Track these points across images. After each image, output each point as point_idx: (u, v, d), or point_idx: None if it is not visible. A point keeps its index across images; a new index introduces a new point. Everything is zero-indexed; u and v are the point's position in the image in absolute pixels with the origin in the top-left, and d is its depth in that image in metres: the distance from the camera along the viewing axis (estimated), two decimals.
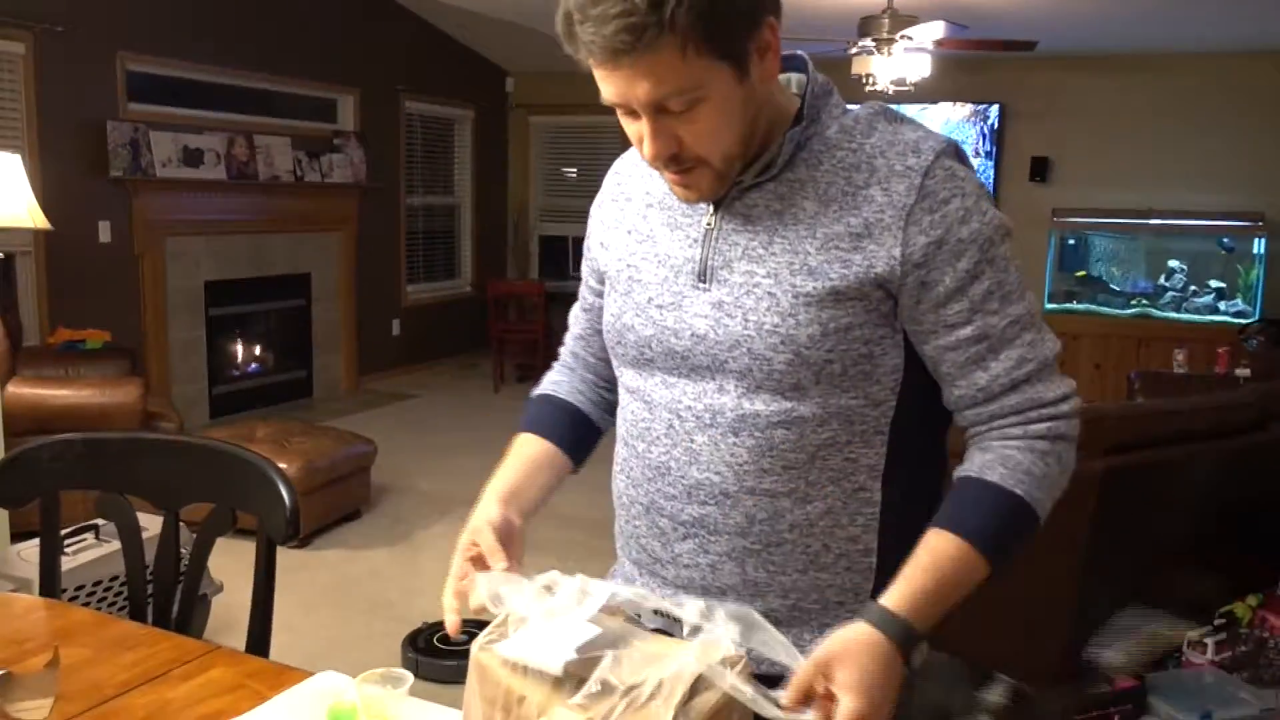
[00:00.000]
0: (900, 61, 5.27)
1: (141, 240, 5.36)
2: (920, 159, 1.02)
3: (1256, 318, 6.35)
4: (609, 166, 1.27)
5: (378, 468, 4.54)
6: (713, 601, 0.92)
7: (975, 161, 7.08)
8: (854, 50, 5.34)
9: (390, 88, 7.15)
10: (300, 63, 6.33)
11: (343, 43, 6.67)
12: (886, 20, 5.06)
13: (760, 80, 1.00)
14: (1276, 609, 3.01)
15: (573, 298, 1.36)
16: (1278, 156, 6.49)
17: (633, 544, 1.18)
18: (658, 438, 1.12)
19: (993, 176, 7.15)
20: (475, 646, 0.94)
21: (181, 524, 1.65)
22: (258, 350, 6.45)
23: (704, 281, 1.08)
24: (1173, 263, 6.78)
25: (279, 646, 1.53)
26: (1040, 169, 7.10)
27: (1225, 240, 6.65)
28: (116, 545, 2.40)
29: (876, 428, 1.07)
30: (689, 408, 1.09)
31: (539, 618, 0.92)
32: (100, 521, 2.88)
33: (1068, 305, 6.93)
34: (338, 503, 4.23)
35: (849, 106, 1.09)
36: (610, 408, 1.27)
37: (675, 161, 1.02)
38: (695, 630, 0.89)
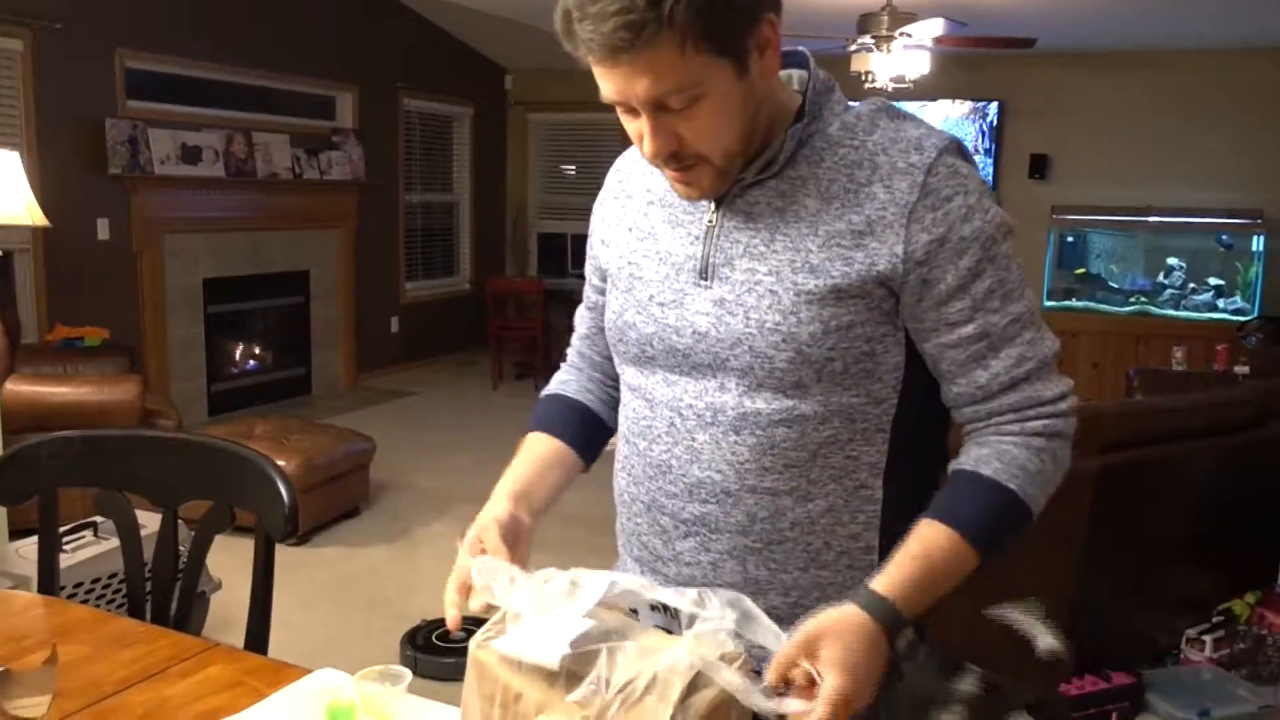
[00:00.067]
0: (899, 59, 5.26)
1: (140, 237, 5.36)
2: (923, 156, 1.02)
3: (1255, 315, 6.35)
4: (608, 164, 1.26)
5: (376, 465, 4.54)
6: (707, 591, 0.92)
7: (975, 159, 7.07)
8: (853, 47, 5.33)
9: (389, 85, 7.14)
10: (299, 60, 6.32)
11: (342, 40, 6.66)
12: (886, 17, 5.06)
13: (760, 77, 0.99)
14: (1274, 606, 3.02)
15: (571, 295, 1.36)
16: (1277, 154, 6.49)
17: (634, 541, 1.18)
18: (659, 436, 1.12)
19: (992, 174, 7.15)
20: (473, 643, 0.94)
21: (180, 521, 1.64)
22: (256, 348, 6.44)
23: (705, 279, 1.07)
24: (1171, 260, 6.78)
25: (277, 644, 1.53)
26: (1039, 166, 7.10)
27: (1224, 237, 6.66)
28: (115, 542, 2.39)
29: (878, 425, 1.07)
30: (690, 406, 1.09)
31: (535, 612, 0.92)
32: (99, 519, 2.88)
33: (1066, 303, 6.93)
34: (336, 500, 4.23)
35: (851, 103, 1.09)
36: (619, 406, 1.28)
37: (675, 159, 1.01)
38: (692, 619, 0.89)
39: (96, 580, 2.76)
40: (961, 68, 6.92)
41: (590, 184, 8.36)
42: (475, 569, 0.98)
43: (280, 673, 1.28)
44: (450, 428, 6.02)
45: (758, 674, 0.89)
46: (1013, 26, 5.77)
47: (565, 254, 8.34)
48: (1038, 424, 1.04)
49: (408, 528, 4.24)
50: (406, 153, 7.48)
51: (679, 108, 0.96)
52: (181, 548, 1.73)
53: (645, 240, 1.14)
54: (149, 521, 1.76)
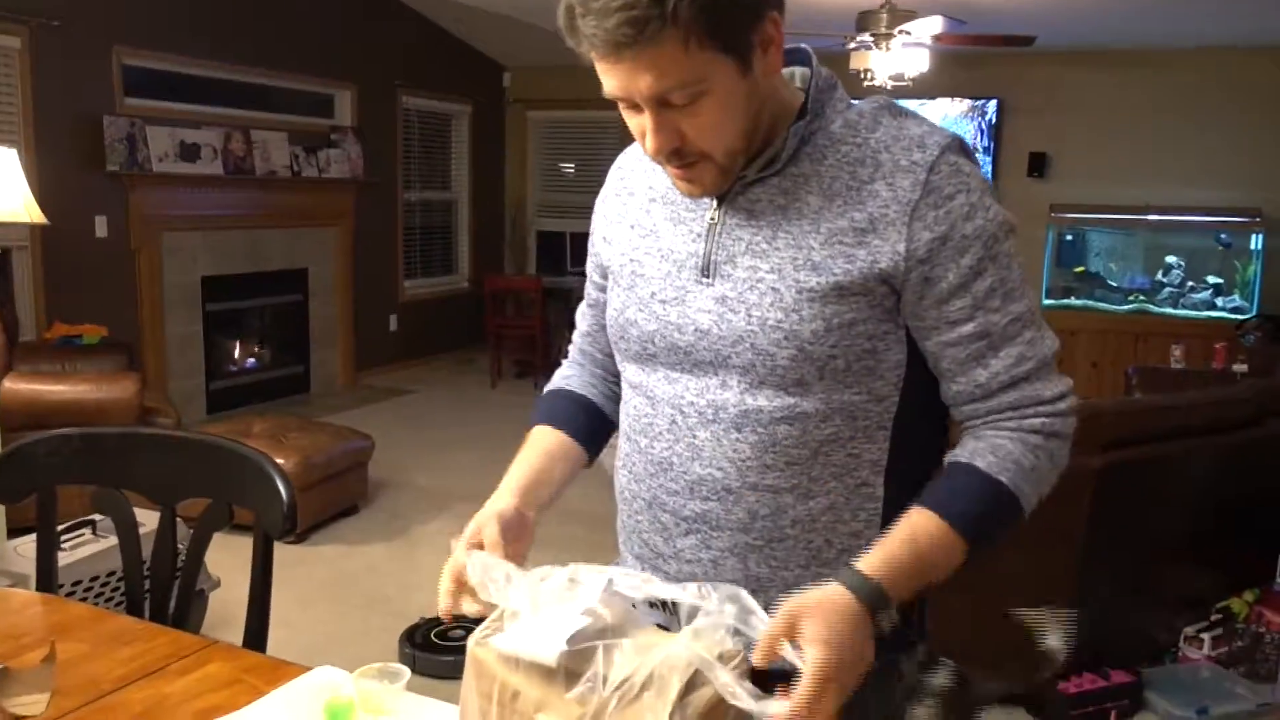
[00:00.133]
0: (898, 57, 5.26)
1: (138, 235, 5.35)
2: (925, 154, 1.02)
3: (1254, 313, 6.36)
4: (607, 162, 1.26)
5: (375, 463, 4.54)
6: (706, 585, 0.92)
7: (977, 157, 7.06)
8: (852, 45, 5.33)
9: (388, 83, 7.14)
10: (297, 58, 6.31)
11: (340, 38, 6.65)
12: (885, 15, 5.06)
13: (763, 74, 0.99)
14: (1273, 604, 3.02)
15: (570, 293, 1.36)
16: (1276, 152, 6.49)
17: (634, 539, 1.18)
18: (660, 433, 1.11)
19: (990, 172, 7.15)
20: (472, 641, 0.94)
21: (179, 519, 1.64)
22: (255, 346, 6.44)
23: (707, 276, 1.07)
24: (1170, 258, 6.78)
25: (276, 641, 1.53)
26: (1038, 164, 7.10)
27: (1223, 236, 6.66)
28: (113, 540, 2.39)
29: (879, 423, 1.07)
30: (691, 403, 1.09)
31: (533, 610, 0.92)
32: (97, 517, 2.88)
33: (1065, 301, 6.93)
34: (335, 498, 4.23)
35: (853, 101, 1.09)
36: (620, 401, 1.28)
37: (678, 155, 1.01)
38: (691, 615, 0.89)
39: (95, 578, 2.76)
40: (960, 66, 6.92)
41: (589, 182, 8.39)
42: (470, 565, 0.98)
43: (279, 670, 1.28)
44: (449, 426, 6.02)
45: (755, 672, 0.89)
46: (1012, 24, 5.77)
47: (564, 252, 8.34)
48: (1035, 421, 1.04)
49: (406, 526, 4.24)
50: (405, 150, 7.47)
51: (682, 104, 0.96)
52: (180, 546, 1.73)
53: (647, 237, 1.14)
54: (147, 519, 1.75)
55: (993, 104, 7.14)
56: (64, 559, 2.65)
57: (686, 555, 1.11)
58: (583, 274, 1.32)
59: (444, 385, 7.17)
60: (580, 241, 1.29)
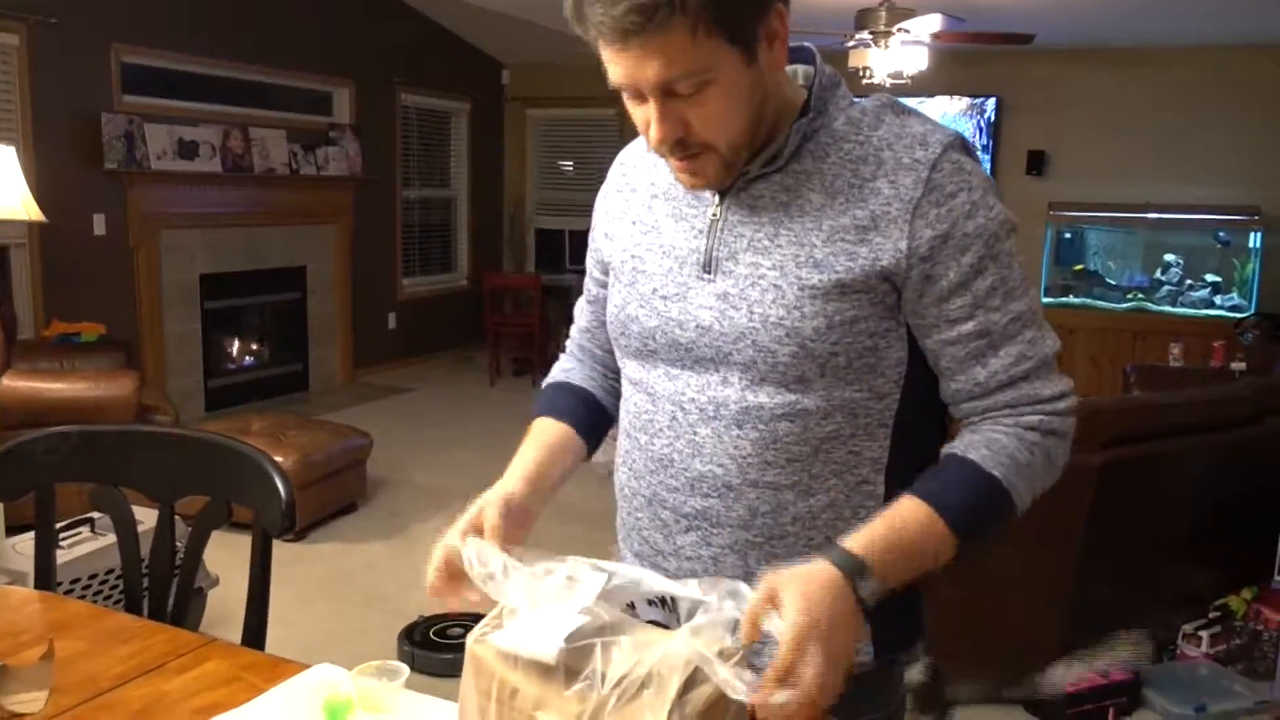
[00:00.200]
0: (897, 54, 5.26)
1: (136, 233, 5.35)
2: (928, 152, 1.02)
3: (1252, 312, 6.36)
4: (605, 160, 1.26)
5: (373, 461, 4.54)
6: (707, 580, 0.92)
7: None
8: (851, 43, 5.33)
9: (386, 80, 7.13)
10: (295, 55, 6.31)
11: (339, 35, 6.65)
12: (883, 13, 5.06)
13: (768, 68, 1.00)
14: (1271, 602, 3.02)
15: (569, 291, 1.36)
16: (1275, 151, 6.49)
17: (634, 536, 1.18)
18: (660, 430, 1.11)
19: (989, 170, 7.15)
20: (470, 638, 0.94)
21: (177, 517, 1.64)
22: (253, 343, 6.44)
23: (709, 273, 1.07)
24: (1169, 257, 6.78)
25: (275, 639, 1.52)
26: (1037, 163, 7.10)
27: (1221, 234, 6.66)
28: (112, 538, 2.39)
29: (880, 421, 1.07)
30: (692, 400, 1.08)
31: (532, 607, 0.92)
32: (95, 514, 2.87)
33: (1064, 299, 6.94)
34: (333, 496, 4.23)
35: (856, 99, 1.09)
36: (619, 396, 1.27)
37: (682, 146, 1.01)
38: (691, 612, 0.89)
39: (93, 576, 2.76)
40: (959, 64, 6.92)
41: (588, 179, 8.39)
42: (466, 553, 0.98)
43: (277, 668, 1.28)
44: (448, 423, 6.02)
45: (754, 669, 0.89)
46: (1011, 22, 5.76)
47: (563, 249, 8.34)
48: (1033, 419, 1.04)
49: (405, 524, 4.24)
50: (404, 148, 7.47)
51: (687, 93, 0.96)
52: (178, 543, 1.73)
53: (648, 234, 1.14)
54: (146, 517, 1.75)
55: (991, 102, 7.14)
56: (62, 557, 2.65)
57: (686, 552, 1.11)
58: (581, 271, 1.32)
59: (443, 383, 7.17)
60: (579, 239, 1.28)
